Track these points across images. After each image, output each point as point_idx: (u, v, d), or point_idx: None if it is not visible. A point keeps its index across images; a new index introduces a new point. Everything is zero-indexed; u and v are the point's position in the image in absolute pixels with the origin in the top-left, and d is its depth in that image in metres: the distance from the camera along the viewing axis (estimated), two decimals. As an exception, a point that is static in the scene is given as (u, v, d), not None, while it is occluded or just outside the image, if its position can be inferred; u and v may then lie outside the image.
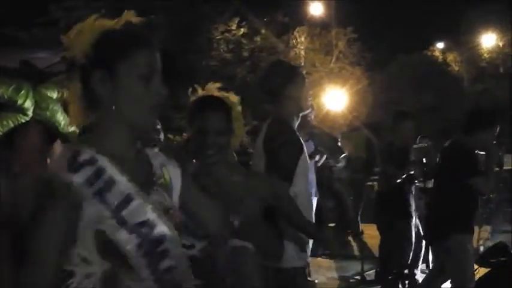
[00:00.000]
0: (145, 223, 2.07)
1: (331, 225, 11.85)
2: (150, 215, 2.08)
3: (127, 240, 2.02)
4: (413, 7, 37.13)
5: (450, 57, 40.92)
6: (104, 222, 2.00)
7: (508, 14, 34.84)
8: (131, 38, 2.12)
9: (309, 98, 4.21)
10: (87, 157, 2.02)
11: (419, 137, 10.78)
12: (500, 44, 39.08)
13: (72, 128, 6.92)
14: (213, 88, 3.29)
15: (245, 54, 27.81)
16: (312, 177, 5.97)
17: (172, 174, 2.26)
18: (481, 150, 6.21)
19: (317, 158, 7.52)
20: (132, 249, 2.02)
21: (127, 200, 2.04)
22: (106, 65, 2.06)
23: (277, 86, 3.99)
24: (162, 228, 2.10)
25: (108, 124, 2.10)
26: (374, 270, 8.67)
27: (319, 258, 9.61)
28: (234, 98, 3.27)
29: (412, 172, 7.29)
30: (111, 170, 2.04)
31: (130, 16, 2.17)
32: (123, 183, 2.05)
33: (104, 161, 2.04)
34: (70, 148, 2.06)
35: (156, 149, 2.44)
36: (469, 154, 6.05)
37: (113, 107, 2.06)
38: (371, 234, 9.28)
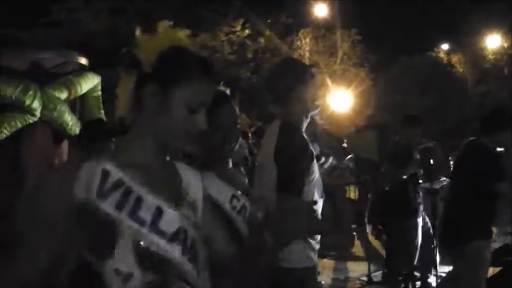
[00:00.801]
0: (179, 230, 2.11)
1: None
2: (182, 222, 2.13)
3: (171, 250, 2.07)
4: (417, 8, 37.13)
5: (455, 58, 40.88)
6: (144, 239, 2.03)
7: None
8: (196, 66, 2.13)
9: (318, 98, 4.12)
10: (115, 179, 2.03)
11: (423, 139, 10.79)
12: (505, 45, 39.04)
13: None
14: None
15: (249, 55, 27.85)
16: (319, 179, 5.94)
17: (196, 189, 2.29)
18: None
19: (322, 160, 7.51)
20: (178, 256, 2.08)
21: (158, 212, 2.07)
22: (163, 82, 2.08)
23: (286, 86, 3.85)
24: (191, 233, 2.15)
25: (144, 131, 2.12)
26: (381, 272, 8.66)
27: (324, 260, 9.60)
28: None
29: (415, 172, 7.28)
30: (137, 187, 2.06)
31: (205, 40, 2.19)
32: (150, 198, 2.07)
33: (129, 179, 2.06)
34: (99, 165, 2.05)
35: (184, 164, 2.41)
36: (494, 157, 5.73)
37: (153, 121, 2.09)
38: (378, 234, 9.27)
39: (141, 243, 2.01)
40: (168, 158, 2.24)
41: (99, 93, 7.87)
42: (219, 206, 2.82)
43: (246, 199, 2.90)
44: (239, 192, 2.91)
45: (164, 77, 2.08)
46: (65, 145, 7.41)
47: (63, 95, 7.28)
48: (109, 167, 2.04)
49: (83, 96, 7.75)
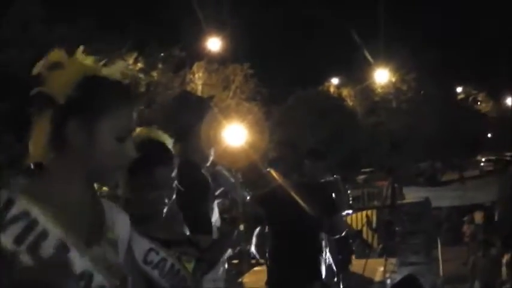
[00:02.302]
0: (83, 275, 1.91)
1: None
2: (88, 266, 1.93)
3: None
4: (308, 43, 37.97)
5: (344, 92, 41.99)
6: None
7: (400, 52, 36.20)
8: (118, 95, 1.99)
9: (218, 134, 4.01)
10: (17, 212, 1.85)
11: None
12: (393, 79, 40.43)
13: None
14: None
15: (141, 89, 27.63)
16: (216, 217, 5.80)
17: (121, 229, 2.13)
18: None
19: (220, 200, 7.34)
20: None
21: (62, 251, 1.88)
22: (86, 116, 1.92)
23: (186, 123, 3.73)
24: (99, 279, 1.94)
25: (67, 168, 1.95)
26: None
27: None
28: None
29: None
30: (45, 222, 1.87)
31: (122, 66, 2.03)
32: (57, 234, 1.88)
33: (37, 213, 1.87)
34: (5, 194, 1.86)
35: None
36: None
37: (81, 157, 1.94)
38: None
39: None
40: (94, 196, 2.07)
41: None
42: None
43: (167, 252, 2.80)
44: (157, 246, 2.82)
45: (87, 110, 1.92)
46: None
47: None
48: (15, 197, 1.86)
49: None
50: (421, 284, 6.45)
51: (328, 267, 7.34)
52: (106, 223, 2.05)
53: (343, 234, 6.40)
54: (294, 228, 5.44)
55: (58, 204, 1.91)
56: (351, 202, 8.19)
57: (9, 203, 1.85)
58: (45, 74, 1.94)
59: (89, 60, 2.00)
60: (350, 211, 8.49)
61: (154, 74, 28.47)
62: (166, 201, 2.87)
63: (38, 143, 1.93)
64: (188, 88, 29.03)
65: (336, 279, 7.50)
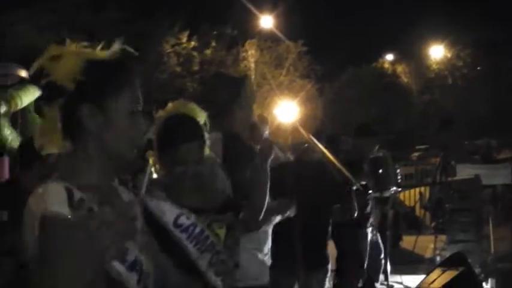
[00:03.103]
0: (136, 260, 2.04)
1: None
2: (137, 254, 2.05)
3: (127, 278, 1.99)
4: (362, 19, 37.58)
5: (399, 68, 41.45)
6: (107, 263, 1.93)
7: (455, 26, 35.54)
8: (122, 73, 2.08)
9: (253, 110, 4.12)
10: (78, 197, 1.93)
11: (377, 147, 10.81)
12: (448, 55, 39.77)
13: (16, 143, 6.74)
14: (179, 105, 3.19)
15: (195, 67, 27.76)
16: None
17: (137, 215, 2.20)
18: None
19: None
20: (133, 285, 2.01)
21: (120, 239, 1.96)
22: (96, 99, 2.01)
23: (224, 100, 3.85)
24: (147, 266, 2.09)
25: (90, 155, 2.03)
26: (331, 283, 8.62)
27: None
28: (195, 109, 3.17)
29: (364, 183, 7.24)
30: (97, 209, 1.95)
31: (118, 47, 2.11)
32: (112, 221, 1.93)
33: (89, 200, 1.95)
34: (61, 185, 1.94)
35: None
36: None
37: (99, 140, 2.02)
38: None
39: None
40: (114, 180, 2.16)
41: (40, 106, 7.63)
42: (162, 227, 2.79)
43: (197, 219, 2.86)
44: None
45: (98, 92, 2.00)
46: (5, 161, 7.16)
47: (3, 109, 7.04)
48: (68, 185, 1.93)
49: (24, 109, 7.51)
50: (469, 261, 6.45)
51: (375, 244, 7.39)
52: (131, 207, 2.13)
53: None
54: (311, 203, 5.36)
55: (96, 190, 1.99)
56: (399, 179, 8.16)
57: (70, 191, 1.92)
58: (48, 67, 2.01)
59: (85, 47, 2.07)
60: (399, 188, 8.46)
61: (208, 52, 28.56)
62: (191, 174, 2.93)
63: (51, 133, 2.01)
64: (241, 66, 29.07)
65: (382, 256, 7.54)
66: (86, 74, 1.99)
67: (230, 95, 3.83)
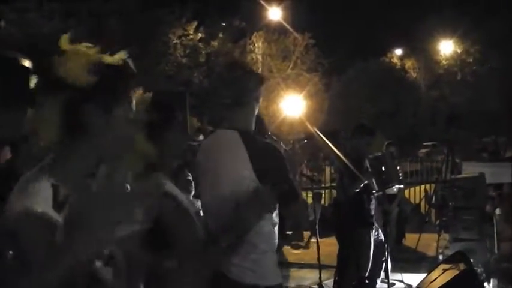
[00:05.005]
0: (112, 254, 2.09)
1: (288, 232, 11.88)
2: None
3: (105, 272, 2.06)
4: (371, 13, 37.49)
5: (408, 63, 41.39)
6: None
7: (465, 22, 35.43)
8: (128, 80, 2.16)
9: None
10: (64, 194, 1.99)
11: (386, 143, 10.81)
12: (458, 50, 39.68)
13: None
14: None
15: (202, 59, 27.76)
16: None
17: None
18: None
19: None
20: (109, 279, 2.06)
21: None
22: (102, 101, 2.06)
23: (240, 92, 3.79)
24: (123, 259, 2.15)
25: (84, 153, 2.09)
26: (332, 280, 8.63)
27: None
28: None
29: (366, 182, 7.24)
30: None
31: (123, 55, 2.15)
32: None
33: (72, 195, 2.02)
34: (48, 181, 1.99)
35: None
36: None
37: (97, 140, 2.08)
38: (329, 242, 9.25)
39: None
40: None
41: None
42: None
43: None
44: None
45: (104, 94, 2.06)
46: (6, 151, 7.19)
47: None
48: (54, 182, 1.99)
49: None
50: (471, 260, 6.46)
51: (379, 244, 7.40)
52: None
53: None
54: None
55: (79, 183, 2.05)
56: (400, 176, 8.17)
57: (56, 188, 1.98)
58: (53, 60, 2.05)
59: (89, 49, 2.11)
60: (401, 185, 8.46)
61: (215, 43, 28.56)
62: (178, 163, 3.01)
63: (50, 126, 2.04)
64: (248, 58, 29.04)
65: (385, 254, 7.54)
66: (97, 76, 2.04)
67: (252, 87, 3.78)
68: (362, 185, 7.10)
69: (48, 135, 2.05)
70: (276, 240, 3.72)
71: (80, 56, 2.06)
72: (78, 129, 2.05)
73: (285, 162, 3.59)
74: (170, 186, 2.98)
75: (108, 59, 2.12)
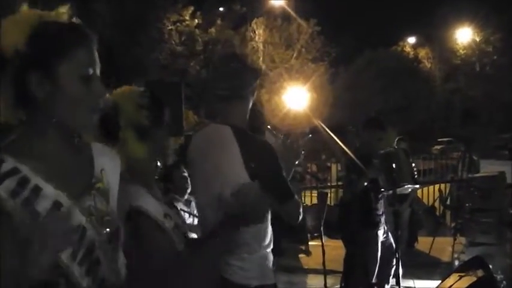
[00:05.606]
0: (76, 229, 2.03)
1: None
2: (80, 220, 2.06)
3: (74, 269, 2.02)
4: (382, -2, 37.49)
5: (422, 53, 41.37)
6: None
7: (485, 7, 35.37)
8: (71, 35, 2.06)
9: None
10: (8, 168, 1.97)
11: (396, 138, 10.79)
12: (477, 39, 39.63)
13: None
14: None
15: (198, 47, 27.73)
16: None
17: (112, 175, 2.26)
18: None
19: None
20: (67, 259, 2.00)
21: (56, 207, 2.00)
22: (44, 65, 2.01)
23: (237, 86, 3.81)
24: (91, 233, 2.08)
25: (41, 125, 2.06)
26: (338, 286, 8.64)
27: (280, 272, 9.55)
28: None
29: (374, 178, 7.21)
30: (35, 178, 2.00)
31: (67, 8, 2.10)
32: (49, 190, 2.01)
33: (27, 170, 2.00)
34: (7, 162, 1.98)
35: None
36: None
37: (50, 109, 2.03)
38: (335, 245, 9.26)
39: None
40: (79, 143, 2.17)
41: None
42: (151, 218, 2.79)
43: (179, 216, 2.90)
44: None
45: (43, 59, 2.02)
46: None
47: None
48: (3, 156, 1.99)
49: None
50: (490, 266, 6.44)
51: (388, 247, 7.39)
52: (95, 174, 2.18)
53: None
54: None
55: (43, 160, 2.04)
56: (415, 175, 8.14)
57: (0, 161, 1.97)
58: None
59: (39, 12, 2.07)
60: (416, 185, 8.44)
61: (213, 30, 28.53)
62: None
63: (5, 103, 2.03)
64: (248, 47, 29.01)
65: (395, 258, 7.53)
66: (33, 40, 2.00)
67: (250, 80, 3.80)
68: (369, 181, 7.08)
69: (6, 114, 2.04)
70: (269, 240, 3.74)
71: (16, 23, 2.02)
72: (30, 102, 2.02)
73: (278, 162, 3.62)
74: (144, 200, 2.91)
75: (46, 16, 2.07)
